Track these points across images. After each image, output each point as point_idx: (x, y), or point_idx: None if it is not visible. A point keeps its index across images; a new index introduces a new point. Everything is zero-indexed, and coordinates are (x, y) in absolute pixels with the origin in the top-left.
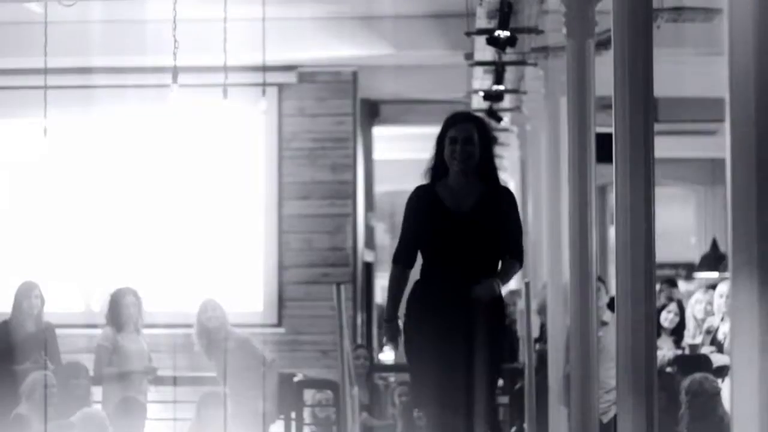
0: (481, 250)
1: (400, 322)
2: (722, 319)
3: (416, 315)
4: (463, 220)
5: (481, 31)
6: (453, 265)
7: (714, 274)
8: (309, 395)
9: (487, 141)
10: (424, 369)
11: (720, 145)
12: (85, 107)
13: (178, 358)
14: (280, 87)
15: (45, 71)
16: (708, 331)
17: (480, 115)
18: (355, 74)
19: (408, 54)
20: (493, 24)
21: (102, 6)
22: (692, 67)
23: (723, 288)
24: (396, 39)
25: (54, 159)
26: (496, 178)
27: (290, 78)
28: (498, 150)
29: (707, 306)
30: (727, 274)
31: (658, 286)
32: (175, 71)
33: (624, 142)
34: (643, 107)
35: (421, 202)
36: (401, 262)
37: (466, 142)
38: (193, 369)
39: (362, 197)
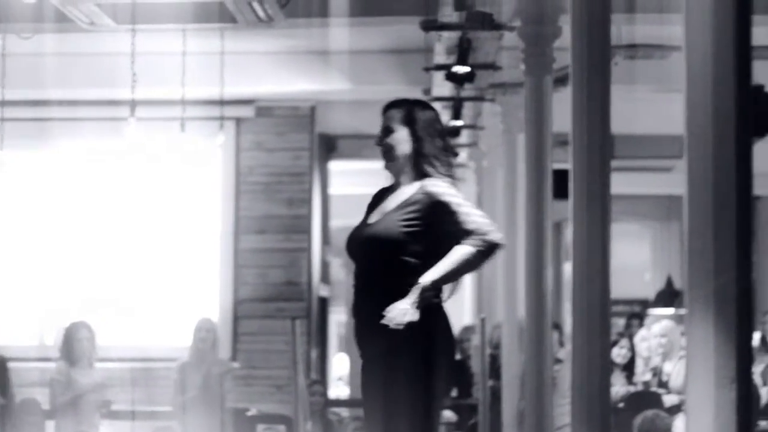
0: (381, 270)
1: None
2: (662, 360)
3: None
4: (363, 235)
5: (439, 67)
6: (360, 291)
7: (669, 311)
8: (262, 430)
9: (415, 128)
10: None
11: (675, 181)
12: (41, 140)
13: (133, 391)
14: (238, 121)
15: (1, 103)
16: (654, 373)
17: (421, 99)
18: (312, 109)
19: (366, 89)
20: (451, 60)
21: (58, 39)
22: (647, 104)
23: (658, 328)
24: (354, 74)
25: (8, 192)
26: (428, 175)
27: (248, 112)
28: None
29: (648, 344)
30: (682, 311)
31: (622, 322)
32: (132, 104)
33: (581, 179)
34: (600, 144)
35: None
36: None
37: (385, 133)
38: (149, 403)
39: (318, 232)
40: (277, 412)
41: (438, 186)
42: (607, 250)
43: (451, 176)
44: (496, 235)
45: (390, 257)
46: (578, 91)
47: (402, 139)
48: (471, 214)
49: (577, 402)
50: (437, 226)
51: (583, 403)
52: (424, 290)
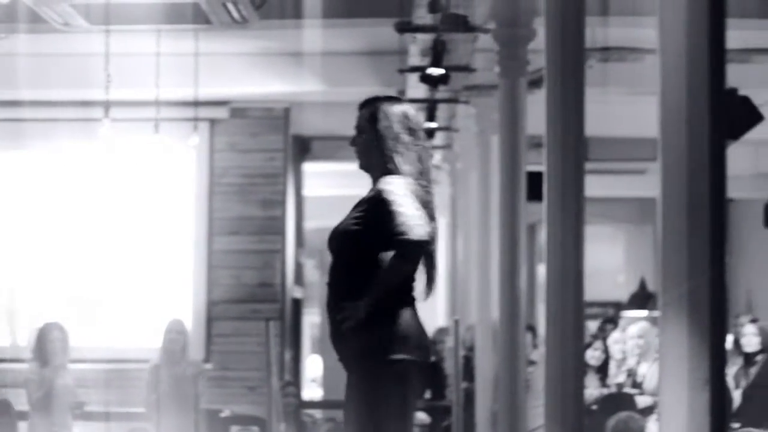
0: (339, 267)
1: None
2: (638, 362)
3: None
4: (332, 232)
5: (414, 69)
6: (327, 287)
7: (642, 313)
8: (235, 431)
9: (377, 127)
10: None
11: (649, 183)
12: (14, 141)
13: (107, 393)
14: (212, 122)
15: None
16: (629, 374)
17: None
18: (287, 110)
19: (340, 90)
20: (426, 61)
21: (32, 39)
22: (621, 106)
23: (634, 329)
24: (328, 75)
25: None
26: (390, 172)
27: (222, 113)
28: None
29: (623, 346)
30: (656, 313)
31: (596, 324)
32: (106, 105)
33: (555, 181)
34: (574, 146)
35: None
36: None
37: (356, 132)
38: (122, 404)
39: (292, 233)
40: (250, 413)
41: (388, 184)
42: (581, 253)
43: (421, 172)
44: (414, 233)
45: (346, 254)
46: (552, 94)
47: (368, 138)
48: (402, 215)
49: (551, 404)
50: (382, 225)
51: (556, 405)
52: (355, 308)
